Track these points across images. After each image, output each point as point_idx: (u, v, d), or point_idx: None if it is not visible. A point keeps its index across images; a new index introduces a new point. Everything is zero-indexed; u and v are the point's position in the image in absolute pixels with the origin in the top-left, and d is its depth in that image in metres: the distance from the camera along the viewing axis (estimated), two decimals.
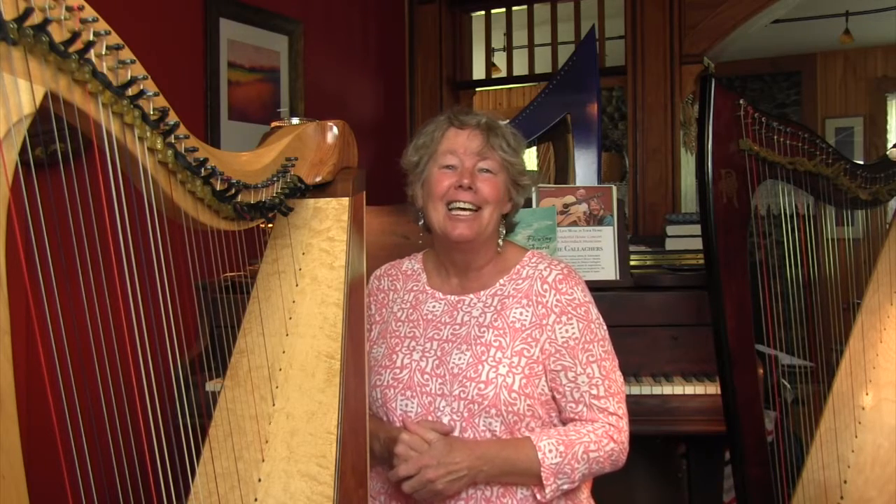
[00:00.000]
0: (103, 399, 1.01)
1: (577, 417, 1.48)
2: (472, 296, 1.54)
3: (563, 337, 1.47)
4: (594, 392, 1.47)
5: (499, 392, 1.42)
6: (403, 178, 1.61)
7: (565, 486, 1.43)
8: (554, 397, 1.49)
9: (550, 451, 1.41)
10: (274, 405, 1.38)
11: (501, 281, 1.54)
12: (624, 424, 1.49)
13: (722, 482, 2.27)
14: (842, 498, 1.90)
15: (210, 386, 2.00)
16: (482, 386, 1.42)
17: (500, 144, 1.52)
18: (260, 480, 1.32)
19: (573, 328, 1.47)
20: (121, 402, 1.03)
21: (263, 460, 1.34)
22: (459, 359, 1.46)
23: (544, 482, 1.41)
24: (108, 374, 1.03)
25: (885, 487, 1.87)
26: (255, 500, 1.31)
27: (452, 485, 1.39)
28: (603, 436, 1.46)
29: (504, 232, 1.59)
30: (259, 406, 1.37)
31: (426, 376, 1.48)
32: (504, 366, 1.44)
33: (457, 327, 1.51)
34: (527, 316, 1.48)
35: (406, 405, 1.47)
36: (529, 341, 1.46)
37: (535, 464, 1.40)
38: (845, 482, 1.91)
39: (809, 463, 1.92)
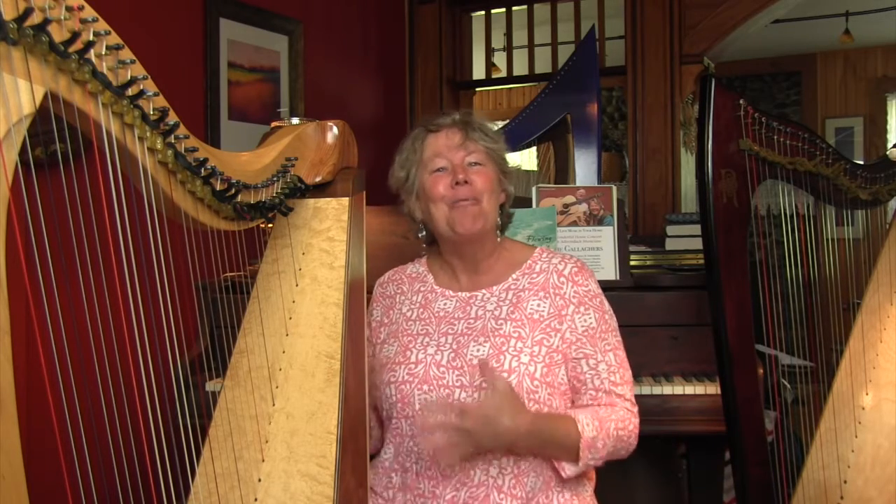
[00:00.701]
0: (103, 399, 1.01)
1: (596, 404, 1.50)
2: (484, 291, 1.56)
3: (582, 326, 1.50)
4: (613, 379, 1.50)
5: (522, 380, 1.43)
6: (395, 197, 1.62)
7: (591, 463, 1.45)
8: (573, 385, 1.50)
9: (588, 424, 1.43)
10: (274, 405, 1.38)
11: (514, 275, 1.56)
12: (637, 411, 1.53)
13: (722, 482, 2.27)
14: (842, 498, 1.90)
15: (210, 386, 2.00)
16: (505, 375, 1.43)
17: (480, 136, 1.54)
18: (260, 480, 1.32)
19: (590, 318, 1.50)
20: (121, 403, 1.03)
21: (263, 460, 1.34)
22: (478, 350, 1.47)
23: (580, 455, 1.42)
24: (108, 375, 1.03)
25: (885, 487, 1.87)
26: (255, 500, 1.31)
27: (491, 444, 1.38)
28: (625, 417, 1.49)
29: (500, 223, 1.59)
30: (259, 406, 1.37)
31: (442, 369, 1.48)
32: (525, 355, 1.46)
33: (471, 321, 1.52)
34: (545, 307, 1.50)
35: (424, 399, 1.47)
36: (549, 331, 1.48)
37: (573, 437, 1.42)
38: (845, 482, 1.91)
39: (809, 463, 1.92)
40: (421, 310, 1.59)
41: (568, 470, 1.44)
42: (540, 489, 1.45)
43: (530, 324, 1.49)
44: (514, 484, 1.44)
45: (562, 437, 1.42)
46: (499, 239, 1.59)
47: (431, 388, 1.47)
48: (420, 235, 1.62)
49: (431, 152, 1.54)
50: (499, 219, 1.58)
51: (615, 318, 1.55)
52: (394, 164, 1.60)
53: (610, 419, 1.47)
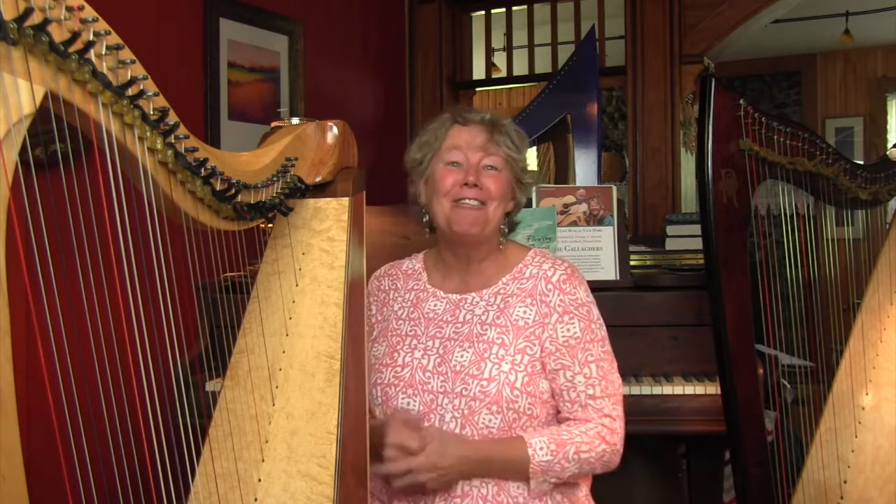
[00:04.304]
0: (103, 399, 1.01)
1: (572, 417, 1.49)
2: (474, 294, 1.55)
3: (563, 336, 1.47)
4: (590, 392, 1.48)
5: (501, 389, 1.43)
6: (405, 176, 1.61)
7: (553, 481, 1.45)
8: (553, 397, 1.49)
9: (541, 448, 1.42)
10: (274, 405, 1.38)
11: (504, 279, 1.54)
12: (618, 426, 1.49)
13: (722, 482, 2.27)
14: (842, 498, 1.90)
15: (210, 386, 2.00)
16: (485, 383, 1.43)
17: (505, 141, 1.52)
18: (260, 480, 1.32)
19: (574, 327, 1.48)
20: (121, 402, 1.03)
21: (263, 460, 1.34)
22: (461, 356, 1.47)
23: (531, 477, 1.42)
24: (108, 374, 1.03)
25: (885, 487, 1.87)
26: (255, 500, 1.31)
27: (442, 484, 1.41)
28: (595, 437, 1.46)
29: (507, 230, 1.59)
30: (259, 406, 1.37)
31: (427, 374, 1.48)
32: (507, 363, 1.45)
33: (459, 325, 1.52)
34: (530, 315, 1.49)
35: (408, 403, 1.48)
36: (532, 339, 1.47)
37: (524, 461, 1.41)
38: (845, 482, 1.91)
39: (809, 463, 1.92)
40: (412, 309, 1.58)
41: (529, 489, 1.44)
42: (530, 494, 1.45)
43: (514, 330, 1.48)
44: (498, 491, 1.44)
45: (512, 463, 1.42)
46: (501, 246, 1.57)
47: (416, 392, 1.48)
48: (424, 220, 1.59)
49: (451, 143, 1.52)
50: (504, 226, 1.57)
51: (604, 328, 1.53)
52: (412, 143, 1.58)
53: (571, 441, 1.44)
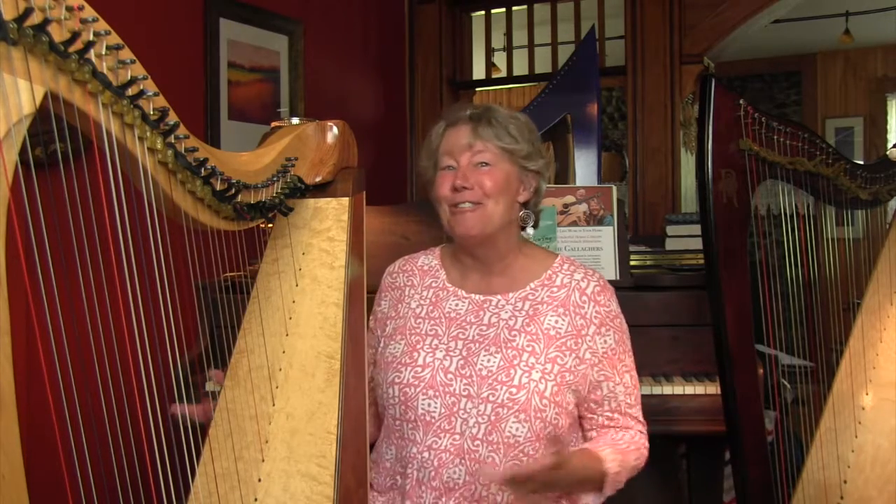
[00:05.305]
0: (103, 399, 1.01)
1: (612, 425, 1.50)
2: (499, 297, 1.51)
3: (602, 348, 1.48)
4: (628, 401, 1.51)
5: (530, 397, 1.41)
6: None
7: (610, 492, 1.47)
8: (588, 406, 1.50)
9: (613, 460, 1.43)
10: (274, 405, 1.38)
11: (532, 285, 1.51)
12: (646, 430, 1.54)
13: (722, 482, 2.27)
14: (842, 498, 1.90)
15: (210, 386, 2.00)
16: (514, 390, 1.41)
17: (495, 133, 1.47)
18: (260, 480, 1.33)
19: (610, 339, 1.49)
20: (121, 402, 1.03)
21: (263, 460, 1.34)
22: (489, 361, 1.44)
23: (604, 490, 1.44)
24: (108, 374, 1.03)
25: (885, 487, 1.87)
26: (255, 500, 1.31)
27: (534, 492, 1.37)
28: (638, 443, 1.51)
29: (530, 221, 1.55)
30: (259, 406, 1.37)
31: (450, 376, 1.45)
32: (537, 371, 1.42)
33: (484, 328, 1.48)
34: (562, 325, 1.47)
35: (429, 405, 1.44)
36: (564, 350, 1.45)
37: (599, 474, 1.42)
38: (845, 482, 1.91)
39: (809, 463, 1.92)
40: (431, 307, 1.54)
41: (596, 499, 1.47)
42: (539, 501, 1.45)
43: (545, 339, 1.45)
44: (513, 501, 1.42)
45: (589, 474, 1.42)
46: (523, 238, 1.55)
47: (437, 393, 1.44)
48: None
49: (444, 148, 1.50)
50: (525, 216, 1.53)
51: (630, 337, 1.54)
52: (422, 152, 1.57)
53: (630, 451, 1.48)
